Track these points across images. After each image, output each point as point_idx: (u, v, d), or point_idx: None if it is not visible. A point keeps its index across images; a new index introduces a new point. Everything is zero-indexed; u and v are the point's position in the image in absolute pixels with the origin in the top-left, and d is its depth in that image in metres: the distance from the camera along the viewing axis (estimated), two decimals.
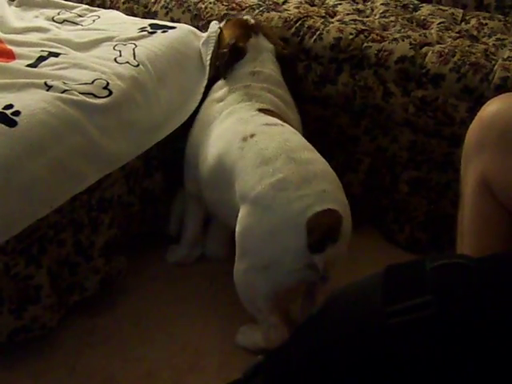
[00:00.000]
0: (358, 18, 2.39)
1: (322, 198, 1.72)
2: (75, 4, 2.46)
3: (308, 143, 1.85)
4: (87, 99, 1.79)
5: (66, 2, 2.46)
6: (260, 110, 1.93)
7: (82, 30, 2.24)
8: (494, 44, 2.22)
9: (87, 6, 2.45)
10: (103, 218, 1.92)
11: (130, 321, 1.98)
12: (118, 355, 1.87)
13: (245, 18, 2.19)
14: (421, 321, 0.98)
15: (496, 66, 2.01)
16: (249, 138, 1.82)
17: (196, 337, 1.92)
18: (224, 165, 1.85)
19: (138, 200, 2.07)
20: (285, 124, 1.89)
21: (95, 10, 2.42)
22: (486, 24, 2.42)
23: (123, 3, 2.58)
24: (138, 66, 1.99)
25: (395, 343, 0.99)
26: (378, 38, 2.18)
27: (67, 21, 2.31)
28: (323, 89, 2.24)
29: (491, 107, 1.42)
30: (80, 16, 2.36)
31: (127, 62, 1.98)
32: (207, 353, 1.89)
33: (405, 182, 2.22)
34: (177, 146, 2.10)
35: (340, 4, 2.53)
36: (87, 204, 1.87)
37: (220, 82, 2.08)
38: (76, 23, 2.30)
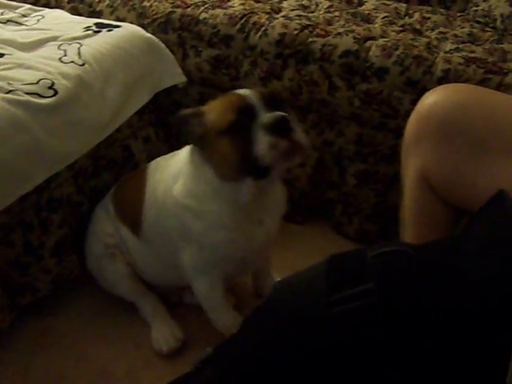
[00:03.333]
0: (302, 13, 2.41)
1: None
2: (19, 4, 2.43)
3: None
4: (32, 99, 1.78)
5: (9, 2, 2.43)
6: None
7: (27, 29, 2.21)
8: (436, 37, 2.26)
9: (31, 6, 2.42)
10: (53, 218, 1.91)
11: (84, 320, 1.99)
12: (72, 354, 1.87)
13: None
14: (363, 308, 1.00)
15: (438, 59, 2.05)
16: None
17: (150, 334, 1.93)
18: None
19: (87, 199, 2.06)
20: None
21: (39, 10, 2.40)
22: (429, 18, 2.47)
23: (68, 2, 2.57)
24: (83, 65, 1.98)
25: (338, 332, 1.01)
26: (323, 32, 2.20)
27: (11, 21, 2.28)
28: (269, 84, 2.26)
29: (428, 100, 1.45)
30: (24, 16, 2.34)
31: (72, 62, 1.97)
32: None
33: (352, 174, 2.25)
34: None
35: (285, 0, 2.55)
36: (36, 204, 1.86)
37: None
38: (20, 23, 2.28)
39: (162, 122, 2.43)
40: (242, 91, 1.59)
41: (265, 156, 1.48)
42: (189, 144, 1.65)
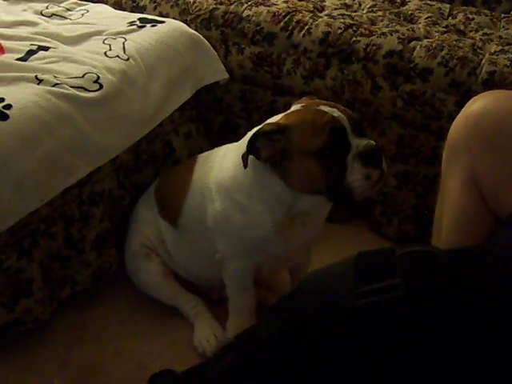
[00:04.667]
0: (345, 12, 2.40)
1: None
2: None
3: None
4: (78, 93, 1.79)
5: None
6: None
7: (71, 23, 2.23)
8: (480, 39, 2.24)
9: (75, 0, 2.43)
10: (94, 212, 1.92)
11: (122, 314, 1.99)
12: (110, 348, 1.88)
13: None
14: (389, 302, 1.01)
15: (483, 61, 2.03)
16: None
17: (187, 330, 1.93)
18: None
19: (128, 194, 2.07)
20: None
21: (83, 4, 2.41)
22: (473, 19, 2.44)
23: None
24: (128, 59, 1.99)
25: (363, 322, 1.02)
26: (367, 32, 2.19)
27: (56, 15, 2.30)
28: (312, 83, 2.25)
29: (476, 105, 1.38)
30: (68, 10, 2.36)
31: (117, 56, 1.98)
32: None
33: (393, 175, 2.23)
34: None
35: None
36: (78, 198, 1.87)
37: None
38: (65, 17, 2.30)
39: (203, 119, 2.44)
40: (328, 110, 1.52)
41: (359, 187, 1.47)
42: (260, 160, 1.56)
